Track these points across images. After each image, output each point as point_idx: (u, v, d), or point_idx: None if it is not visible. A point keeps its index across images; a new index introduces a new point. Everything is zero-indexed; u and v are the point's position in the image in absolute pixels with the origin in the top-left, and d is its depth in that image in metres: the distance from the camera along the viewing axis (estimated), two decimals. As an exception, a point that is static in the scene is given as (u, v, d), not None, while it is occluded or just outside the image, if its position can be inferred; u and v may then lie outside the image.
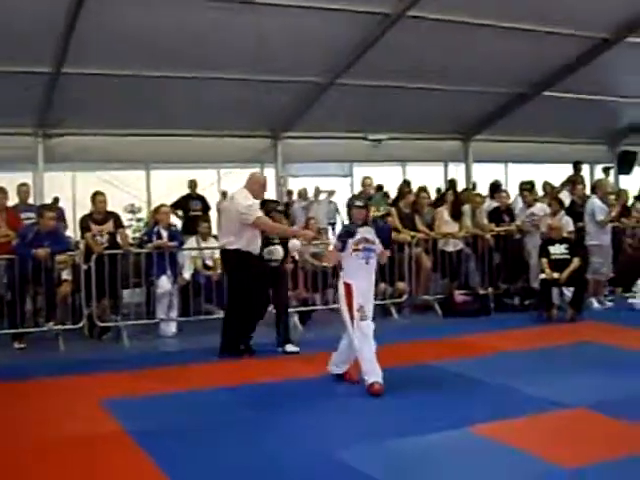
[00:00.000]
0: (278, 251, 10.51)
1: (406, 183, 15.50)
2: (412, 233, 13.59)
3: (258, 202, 10.11)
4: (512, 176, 20.06)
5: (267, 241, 10.35)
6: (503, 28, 13.87)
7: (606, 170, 19.57)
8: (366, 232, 8.38)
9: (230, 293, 10.52)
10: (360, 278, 8.27)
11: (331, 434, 6.83)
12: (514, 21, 13.80)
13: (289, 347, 10.46)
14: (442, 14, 13.13)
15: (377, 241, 8.42)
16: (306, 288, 13.11)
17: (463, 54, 14.58)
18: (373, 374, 7.96)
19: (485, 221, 14.31)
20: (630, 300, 13.85)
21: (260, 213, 9.93)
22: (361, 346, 8.05)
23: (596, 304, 13.70)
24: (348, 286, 8.26)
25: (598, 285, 13.86)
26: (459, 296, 13.40)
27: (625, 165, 20.48)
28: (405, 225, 13.71)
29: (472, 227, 14.16)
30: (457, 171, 19.88)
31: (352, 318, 8.15)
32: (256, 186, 10.20)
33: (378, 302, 12.88)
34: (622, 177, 20.86)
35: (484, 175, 18.89)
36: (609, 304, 13.85)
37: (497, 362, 9.58)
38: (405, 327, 12.56)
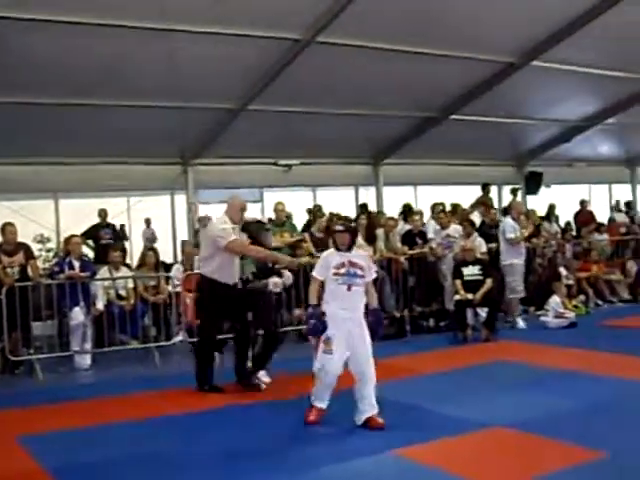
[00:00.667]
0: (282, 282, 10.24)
1: (317, 208, 15.53)
2: (326, 257, 13.58)
3: (234, 226, 9.63)
4: (422, 198, 20.25)
5: (270, 270, 10.07)
6: (412, 53, 14.05)
7: (514, 191, 19.91)
8: (353, 256, 7.82)
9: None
10: (336, 305, 7.70)
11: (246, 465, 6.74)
12: (423, 46, 14.00)
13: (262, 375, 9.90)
14: (351, 40, 13.23)
15: (370, 269, 7.96)
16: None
17: (372, 79, 14.72)
18: (319, 398, 7.80)
19: (399, 244, 14.40)
20: (542, 318, 14.08)
21: (234, 237, 9.50)
22: (318, 377, 7.74)
23: (521, 323, 13.89)
24: (322, 313, 7.75)
25: (514, 304, 14.05)
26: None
27: (532, 186, 20.88)
28: (319, 250, 13.69)
29: (386, 250, 14.22)
30: (368, 195, 19.99)
31: (317, 346, 7.86)
32: (233, 211, 9.76)
33: (294, 328, 13.02)
34: (529, 197, 21.24)
35: (394, 198, 19.03)
36: (522, 324, 14.02)
37: (415, 384, 9.61)
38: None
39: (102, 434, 7.88)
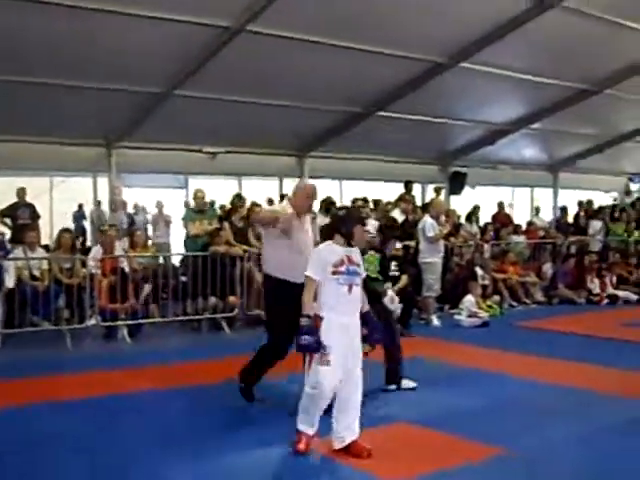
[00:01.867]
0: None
1: (238, 197, 15.49)
2: (245, 247, 13.57)
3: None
4: (346, 193, 20.32)
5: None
6: (342, 47, 14.07)
7: (438, 190, 20.05)
8: (350, 252, 6.82)
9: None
10: (339, 311, 6.63)
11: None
12: (354, 42, 14.04)
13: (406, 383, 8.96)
14: (283, 31, 13.19)
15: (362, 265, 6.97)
16: (137, 298, 12.88)
17: (302, 71, 14.73)
18: (307, 421, 6.69)
19: (318, 237, 14.38)
20: (456, 317, 14.23)
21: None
22: (310, 396, 6.61)
23: (436, 321, 14.00)
24: (317, 320, 6.60)
25: (430, 302, 14.16)
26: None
27: (456, 185, 21.09)
28: (238, 239, 13.68)
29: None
30: (292, 186, 19.93)
31: (310, 360, 6.65)
32: (299, 199, 8.34)
33: (208, 316, 12.99)
34: (452, 197, 21.46)
35: (319, 191, 19.00)
36: (437, 321, 14.14)
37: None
38: (236, 341, 12.43)
39: (10, 416, 7.76)
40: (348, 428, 6.65)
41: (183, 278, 13.61)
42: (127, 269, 12.99)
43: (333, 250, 6.79)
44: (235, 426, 7.54)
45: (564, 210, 22.25)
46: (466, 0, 13.40)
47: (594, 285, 17.45)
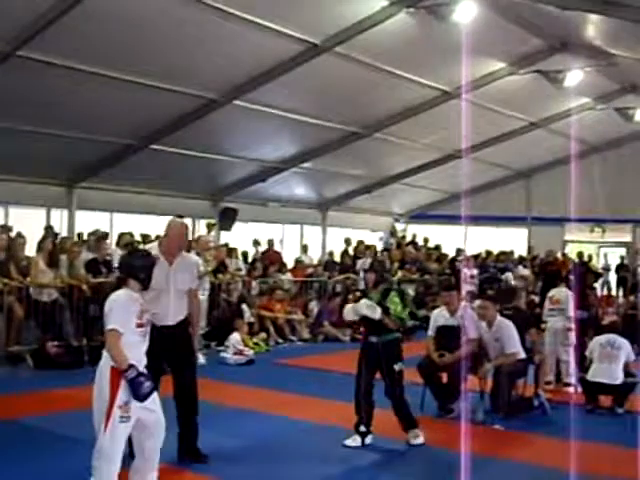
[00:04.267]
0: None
1: (2, 227, 15.01)
2: (5, 280, 13.05)
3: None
4: (117, 226, 20.00)
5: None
6: (116, 79, 14.03)
7: (210, 226, 20.04)
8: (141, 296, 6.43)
9: None
10: (139, 363, 6.20)
11: None
12: (127, 73, 14.04)
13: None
14: (51, 57, 13.03)
15: None
16: None
17: (73, 100, 14.57)
18: None
19: (82, 271, 14.13)
20: (222, 354, 14.24)
21: None
22: (106, 459, 6.08)
23: (202, 359, 13.91)
24: (117, 373, 6.08)
25: (196, 339, 14.04)
26: (52, 347, 13.00)
27: (226, 221, 21.17)
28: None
29: (68, 277, 13.89)
30: (62, 217, 19.51)
31: (108, 417, 6.03)
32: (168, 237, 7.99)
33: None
34: (223, 233, 21.53)
35: (88, 223, 18.67)
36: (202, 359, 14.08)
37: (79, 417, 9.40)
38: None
39: None
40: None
41: None
42: None
43: (134, 299, 6.32)
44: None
45: (331, 253, 22.81)
46: (240, 40, 13.67)
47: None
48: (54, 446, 7.92)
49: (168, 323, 7.62)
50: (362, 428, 8.54)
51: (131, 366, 6.03)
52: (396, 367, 8.49)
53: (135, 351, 6.17)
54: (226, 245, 18.71)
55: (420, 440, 8.60)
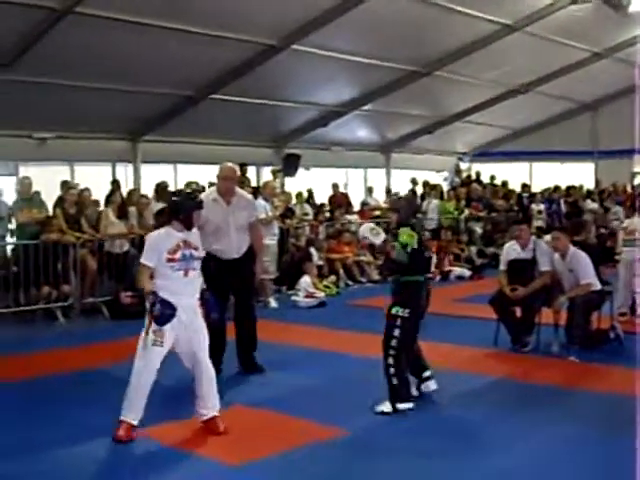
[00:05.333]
0: None
1: (66, 183, 15.19)
2: (77, 234, 13.26)
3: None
4: (181, 177, 20.14)
5: None
6: (173, 30, 13.99)
7: (275, 172, 20.05)
8: (189, 235, 6.89)
9: None
10: (174, 292, 6.65)
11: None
12: (184, 23, 13.96)
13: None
14: (111, 12, 13.01)
15: (199, 244, 6.98)
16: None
17: (133, 54, 14.58)
18: (131, 410, 6.67)
19: (152, 222, 14.27)
20: (293, 298, 14.35)
21: None
22: (135, 383, 6.66)
23: (273, 303, 14.04)
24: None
25: (267, 284, 14.19)
26: (126, 298, 13.17)
27: (290, 167, 21.15)
28: (70, 226, 13.37)
29: (138, 228, 14.06)
30: (126, 171, 19.72)
31: (144, 340, 6.66)
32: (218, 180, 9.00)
33: (42, 306, 12.67)
34: (287, 179, 21.54)
35: (153, 176, 18.82)
36: (274, 303, 14.20)
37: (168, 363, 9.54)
38: (72, 331, 12.22)
39: None
40: (206, 405, 6.85)
41: (14, 268, 13.21)
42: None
43: (169, 236, 6.81)
44: (65, 419, 7.38)
45: (397, 194, 22.67)
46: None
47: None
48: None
49: (233, 256, 8.76)
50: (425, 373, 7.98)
51: (152, 293, 6.60)
52: (393, 310, 7.53)
53: (169, 282, 6.69)
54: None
55: (385, 409, 7.40)
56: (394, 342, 7.39)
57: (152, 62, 15.05)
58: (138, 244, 13.69)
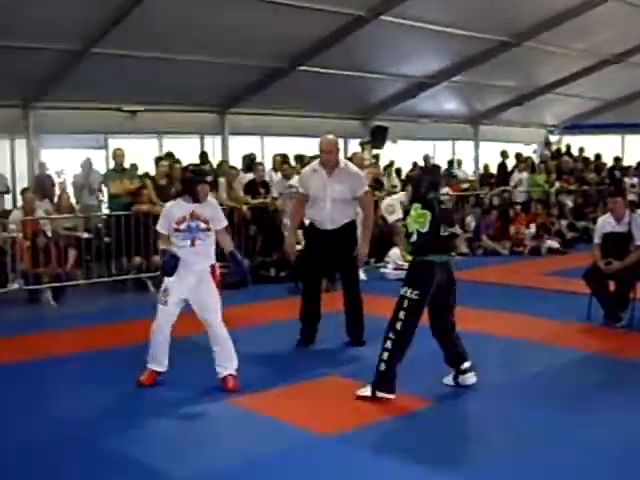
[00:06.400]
0: None
1: (171, 156, 15.43)
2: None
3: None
4: (268, 149, 20.23)
5: None
6: (260, 1, 13.91)
7: (364, 144, 19.94)
8: (198, 207, 7.34)
9: None
10: (183, 259, 7.26)
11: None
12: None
13: None
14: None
15: (216, 218, 7.50)
16: (59, 263, 12.66)
17: (220, 26, 14.51)
18: (153, 360, 7.41)
19: (241, 193, 14.37)
20: (382, 270, 14.31)
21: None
22: (153, 331, 7.39)
23: (362, 275, 13.99)
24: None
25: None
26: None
27: (378, 140, 21.02)
28: (161, 198, 13.52)
29: (228, 199, 14.14)
30: (214, 143, 19.88)
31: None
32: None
33: (133, 276, 12.88)
34: (375, 151, 21.44)
35: (240, 148, 18.96)
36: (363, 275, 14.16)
37: (254, 333, 9.61)
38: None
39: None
40: (220, 364, 7.31)
41: (106, 239, 13.45)
42: (49, 232, 12.79)
43: (179, 207, 7.41)
44: (162, 385, 7.46)
45: (486, 167, 22.48)
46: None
47: (521, 235, 17.73)
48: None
49: (327, 227, 8.94)
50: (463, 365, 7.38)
51: (163, 251, 7.39)
52: (402, 290, 7.14)
53: (179, 250, 7.29)
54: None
55: (366, 393, 7.04)
56: (398, 325, 7.01)
57: (241, 34, 15.02)
58: (228, 215, 13.79)
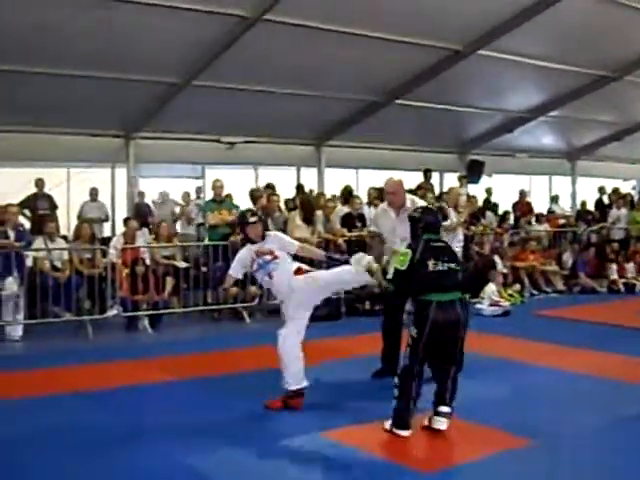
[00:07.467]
0: None
1: (271, 187, 15.58)
2: (265, 237, 13.53)
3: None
4: (363, 182, 20.26)
5: None
6: (358, 36, 14.03)
7: (462, 178, 19.74)
8: (261, 245, 7.77)
9: None
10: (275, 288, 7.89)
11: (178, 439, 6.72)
12: (371, 30, 13.99)
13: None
14: (298, 19, 13.21)
15: (284, 246, 7.85)
16: (157, 291, 12.86)
17: (320, 61, 14.74)
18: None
19: (337, 226, 14.41)
20: (478, 306, 14.13)
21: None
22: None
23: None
24: None
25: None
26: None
27: (474, 174, 20.90)
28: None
29: (324, 232, 14.21)
30: (310, 176, 19.99)
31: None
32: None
33: (229, 306, 13.00)
34: (471, 186, 21.30)
35: (336, 180, 19.03)
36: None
37: (349, 366, 9.60)
38: (256, 331, 12.42)
39: (31, 407, 7.77)
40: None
41: (204, 268, 13.61)
42: (148, 260, 13.01)
43: (247, 251, 7.85)
44: (257, 417, 7.48)
45: (583, 203, 22.13)
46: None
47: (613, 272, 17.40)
48: (317, 392, 7.98)
49: None
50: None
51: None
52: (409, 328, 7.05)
53: (265, 285, 8.32)
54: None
55: (387, 426, 6.96)
56: (403, 361, 6.97)
57: (339, 68, 15.18)
58: (324, 248, 13.85)
